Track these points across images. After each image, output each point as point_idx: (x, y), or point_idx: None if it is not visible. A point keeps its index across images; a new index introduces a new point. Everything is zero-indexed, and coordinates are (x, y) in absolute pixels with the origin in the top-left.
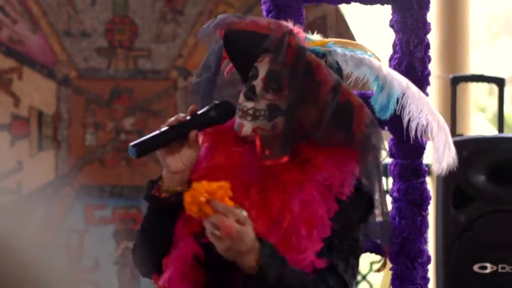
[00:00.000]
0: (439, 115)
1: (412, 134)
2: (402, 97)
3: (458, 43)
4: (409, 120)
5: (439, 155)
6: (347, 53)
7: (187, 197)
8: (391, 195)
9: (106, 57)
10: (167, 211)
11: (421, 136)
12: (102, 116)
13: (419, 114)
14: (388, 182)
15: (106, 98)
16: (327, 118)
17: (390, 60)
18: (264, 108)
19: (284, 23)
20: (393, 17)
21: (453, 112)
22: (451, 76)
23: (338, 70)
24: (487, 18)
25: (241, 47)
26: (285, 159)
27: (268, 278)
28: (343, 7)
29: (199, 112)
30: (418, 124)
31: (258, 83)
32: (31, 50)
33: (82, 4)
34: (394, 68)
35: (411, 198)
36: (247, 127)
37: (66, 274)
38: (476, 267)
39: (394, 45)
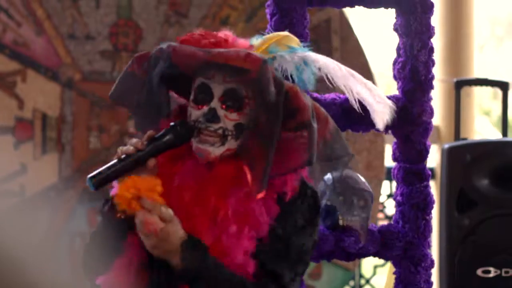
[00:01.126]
0: (368, 83)
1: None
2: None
3: (462, 46)
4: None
5: (378, 111)
6: (294, 56)
7: (117, 194)
8: (394, 199)
9: (110, 60)
10: (121, 229)
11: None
12: (106, 119)
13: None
14: (392, 186)
15: (110, 101)
16: (316, 145)
17: (394, 63)
18: (232, 128)
19: (253, 53)
20: (397, 21)
21: (457, 115)
22: (455, 79)
23: (282, 73)
24: (491, 22)
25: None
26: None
27: (189, 272)
28: (347, 10)
29: (156, 136)
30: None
31: (216, 104)
32: (35, 53)
33: (86, 7)
34: (398, 72)
35: (415, 202)
36: (214, 153)
37: (69, 278)
38: (479, 271)
39: (398, 49)
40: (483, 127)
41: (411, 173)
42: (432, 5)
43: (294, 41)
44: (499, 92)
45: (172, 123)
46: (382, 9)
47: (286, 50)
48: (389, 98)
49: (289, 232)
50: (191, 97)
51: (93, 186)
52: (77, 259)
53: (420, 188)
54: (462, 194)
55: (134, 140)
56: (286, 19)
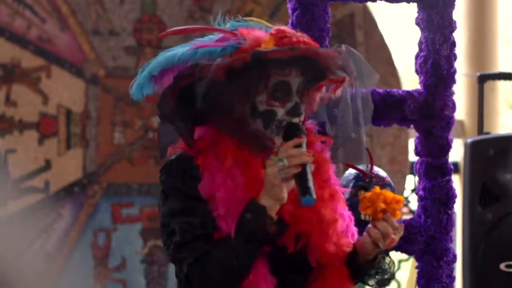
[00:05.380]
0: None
1: None
2: None
3: (487, 40)
4: None
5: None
6: None
7: (367, 199)
8: (416, 193)
9: (135, 56)
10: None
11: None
12: (130, 114)
13: None
14: (416, 180)
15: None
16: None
17: (416, 58)
18: (303, 119)
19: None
20: (418, 15)
21: (480, 110)
22: (478, 74)
23: None
24: None
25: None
26: None
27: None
28: (371, 5)
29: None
30: None
31: (296, 98)
32: (60, 49)
33: (110, 3)
34: (420, 66)
35: (437, 197)
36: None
37: (93, 273)
38: (502, 266)
39: (420, 43)
40: (510, 121)
41: (433, 168)
42: None
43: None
44: None
45: (286, 127)
46: (404, 3)
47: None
48: (411, 92)
49: None
50: (265, 97)
51: (315, 200)
52: (101, 251)
53: (442, 182)
54: (485, 188)
55: (296, 151)
56: (308, 13)
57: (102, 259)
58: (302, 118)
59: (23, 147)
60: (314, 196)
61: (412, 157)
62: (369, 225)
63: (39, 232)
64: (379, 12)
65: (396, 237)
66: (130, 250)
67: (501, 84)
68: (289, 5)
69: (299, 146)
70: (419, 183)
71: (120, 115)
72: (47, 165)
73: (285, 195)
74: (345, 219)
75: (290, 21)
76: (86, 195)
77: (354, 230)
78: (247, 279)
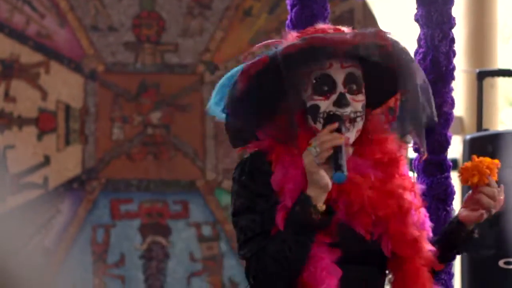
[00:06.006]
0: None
1: None
2: None
3: (486, 37)
4: None
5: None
6: None
7: (471, 169)
8: None
9: (133, 52)
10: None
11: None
12: (129, 110)
13: None
14: (413, 177)
15: (133, 92)
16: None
17: (415, 54)
18: (360, 110)
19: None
20: (418, 11)
21: (479, 106)
22: (477, 70)
23: None
24: None
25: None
26: None
27: None
28: (370, 1)
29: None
30: None
31: (343, 90)
32: (59, 44)
33: None
34: (419, 63)
35: (435, 193)
36: (350, 138)
37: (92, 269)
38: (501, 263)
39: (419, 40)
40: (509, 118)
41: (432, 164)
42: None
43: None
44: None
45: (325, 118)
46: None
47: None
48: None
49: None
50: (308, 92)
51: (346, 176)
52: (99, 247)
53: (441, 179)
54: None
55: (327, 136)
56: (307, 10)
57: (101, 255)
58: (351, 108)
59: (22, 143)
60: (346, 172)
61: (411, 154)
62: (468, 196)
63: (38, 228)
64: (378, 8)
65: (502, 198)
66: (129, 246)
67: (501, 80)
68: (288, 1)
69: (338, 131)
70: (417, 179)
71: (119, 111)
72: (46, 161)
73: (326, 181)
74: (421, 213)
75: (288, 18)
76: (85, 191)
77: (429, 225)
78: (307, 271)
